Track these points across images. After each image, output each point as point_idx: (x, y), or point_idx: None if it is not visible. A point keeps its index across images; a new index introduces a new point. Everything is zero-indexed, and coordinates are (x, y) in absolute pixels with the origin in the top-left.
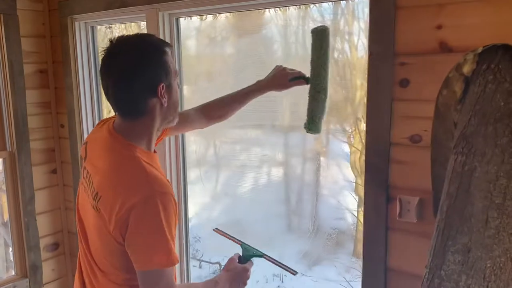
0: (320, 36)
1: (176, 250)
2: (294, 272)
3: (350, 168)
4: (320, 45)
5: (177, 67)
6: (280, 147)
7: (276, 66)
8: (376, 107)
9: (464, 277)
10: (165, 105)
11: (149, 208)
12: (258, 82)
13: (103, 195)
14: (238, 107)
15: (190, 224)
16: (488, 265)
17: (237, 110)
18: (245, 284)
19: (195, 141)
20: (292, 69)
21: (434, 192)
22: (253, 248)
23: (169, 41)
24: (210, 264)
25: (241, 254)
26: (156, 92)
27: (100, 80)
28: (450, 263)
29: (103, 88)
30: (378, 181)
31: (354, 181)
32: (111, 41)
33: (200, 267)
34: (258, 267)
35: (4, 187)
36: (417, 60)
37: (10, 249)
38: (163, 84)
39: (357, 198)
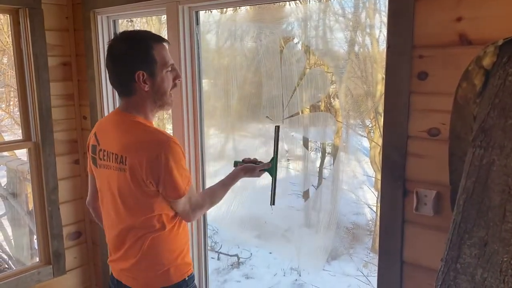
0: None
1: (194, 242)
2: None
3: (369, 163)
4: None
5: (180, 60)
6: (300, 141)
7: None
8: (394, 100)
9: (480, 271)
10: (146, 89)
11: (172, 149)
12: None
13: (128, 155)
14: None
15: (208, 217)
16: (505, 259)
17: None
18: (254, 173)
19: (214, 135)
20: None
21: (451, 186)
22: (275, 171)
23: (188, 35)
24: (228, 257)
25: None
26: (134, 77)
27: None
28: (466, 256)
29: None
30: (395, 174)
31: (374, 176)
32: (115, 34)
33: (218, 259)
34: (276, 260)
35: (29, 176)
36: (436, 52)
37: (35, 237)
38: (142, 72)
39: (376, 193)
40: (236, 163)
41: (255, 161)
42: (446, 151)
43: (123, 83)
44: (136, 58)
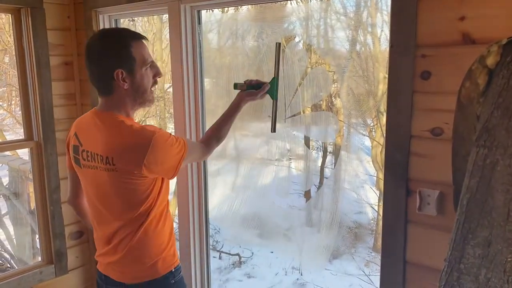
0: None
1: (195, 241)
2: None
3: (371, 162)
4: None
5: (154, 59)
6: (301, 140)
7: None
8: (396, 100)
9: (484, 271)
10: (125, 88)
11: (159, 143)
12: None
13: (114, 156)
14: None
15: (210, 216)
16: (509, 259)
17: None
18: (256, 97)
19: None
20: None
21: (455, 186)
22: (276, 93)
23: (190, 34)
24: (230, 256)
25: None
26: (113, 76)
27: None
28: (469, 256)
29: None
30: (398, 174)
31: (375, 175)
32: (93, 32)
33: (220, 258)
34: (277, 259)
35: (31, 176)
36: (439, 52)
37: (37, 236)
38: (121, 70)
39: (377, 192)
40: (236, 85)
41: (257, 82)
42: (449, 150)
43: (103, 82)
44: (114, 56)
